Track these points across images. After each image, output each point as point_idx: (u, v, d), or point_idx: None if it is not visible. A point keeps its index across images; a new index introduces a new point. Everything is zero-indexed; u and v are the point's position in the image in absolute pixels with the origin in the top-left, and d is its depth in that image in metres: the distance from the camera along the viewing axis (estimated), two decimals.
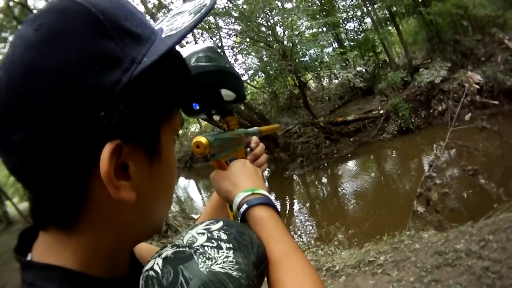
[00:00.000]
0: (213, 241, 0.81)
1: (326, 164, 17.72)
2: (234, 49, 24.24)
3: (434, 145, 7.45)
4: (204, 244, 0.80)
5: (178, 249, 0.78)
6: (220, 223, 0.87)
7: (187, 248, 0.79)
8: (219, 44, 25.09)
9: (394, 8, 23.52)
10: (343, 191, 14.45)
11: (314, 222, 11.70)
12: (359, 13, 27.88)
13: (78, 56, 0.52)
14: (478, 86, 8.48)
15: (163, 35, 0.62)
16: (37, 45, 0.52)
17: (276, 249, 0.87)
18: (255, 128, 1.43)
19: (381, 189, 13.10)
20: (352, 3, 27.79)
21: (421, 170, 10.71)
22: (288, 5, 20.24)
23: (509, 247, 4.57)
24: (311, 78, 24.68)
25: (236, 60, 25.73)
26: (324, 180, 16.94)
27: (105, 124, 0.54)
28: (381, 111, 19.43)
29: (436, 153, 7.23)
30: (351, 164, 17.80)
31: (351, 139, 19.84)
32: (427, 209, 6.70)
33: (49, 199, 0.58)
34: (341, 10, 27.57)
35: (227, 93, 1.14)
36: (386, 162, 16.94)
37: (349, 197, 13.56)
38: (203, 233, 0.83)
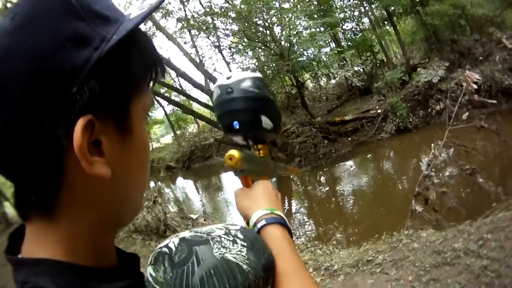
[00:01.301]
0: (230, 236, 0.88)
1: (324, 164, 17.75)
2: (232, 49, 24.25)
3: (432, 144, 7.44)
4: (221, 235, 0.87)
5: (196, 233, 0.85)
6: (238, 226, 0.96)
7: (205, 234, 0.86)
8: (217, 44, 25.12)
9: (392, 8, 23.51)
10: (341, 190, 14.47)
11: (312, 222, 11.72)
12: (356, 13, 27.91)
13: (51, 37, 0.54)
14: (476, 86, 8.46)
15: (131, 17, 0.65)
16: (12, 32, 0.54)
17: (286, 265, 0.95)
18: (283, 164, 1.55)
19: (379, 189, 13.11)
20: (349, 3, 27.80)
21: (419, 170, 10.73)
22: (286, 5, 20.22)
23: (508, 245, 4.58)
24: (308, 78, 24.70)
25: (233, 60, 25.76)
26: (322, 179, 16.97)
27: (77, 100, 0.55)
28: (379, 111, 19.47)
29: (434, 153, 7.23)
30: (349, 164, 17.83)
31: (349, 138, 19.87)
32: (425, 208, 6.71)
33: (28, 183, 0.60)
34: (339, 10, 27.58)
35: (266, 121, 1.25)
36: (384, 161, 16.98)
37: (347, 196, 13.59)
38: (221, 228, 0.91)
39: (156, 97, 33.48)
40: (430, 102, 17.21)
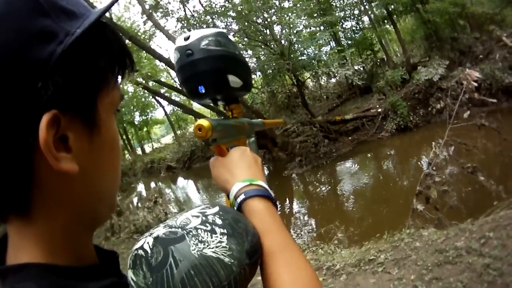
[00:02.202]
0: (208, 224, 0.80)
1: (324, 163, 17.73)
2: None
3: (433, 143, 7.43)
4: (197, 226, 0.79)
5: (170, 229, 0.78)
6: (216, 208, 0.86)
7: (179, 229, 0.78)
8: None
9: (392, 6, 23.51)
10: (342, 189, 14.46)
11: (314, 221, 11.71)
12: (356, 12, 27.91)
13: (17, 35, 0.55)
14: (476, 84, 8.45)
15: (96, 11, 0.66)
16: None
17: (272, 242, 0.87)
18: (259, 120, 1.42)
19: (380, 188, 13.11)
20: (349, 1, 27.82)
21: (420, 168, 10.72)
22: (286, 4, 20.22)
23: (510, 244, 4.57)
24: (308, 77, 24.69)
25: None
26: (323, 179, 16.96)
27: (42, 95, 0.56)
28: (379, 110, 19.47)
29: (435, 151, 7.22)
30: (349, 163, 17.83)
31: (350, 137, 19.87)
32: (426, 207, 6.70)
33: (0, 183, 0.59)
34: (339, 8, 27.60)
35: (234, 80, 1.14)
36: (385, 160, 16.97)
37: (348, 195, 13.58)
38: (197, 216, 0.82)
39: (157, 97, 33.62)
40: (431, 101, 17.21)
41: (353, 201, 12.93)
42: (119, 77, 0.71)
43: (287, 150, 19.06)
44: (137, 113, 42.08)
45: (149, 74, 19.28)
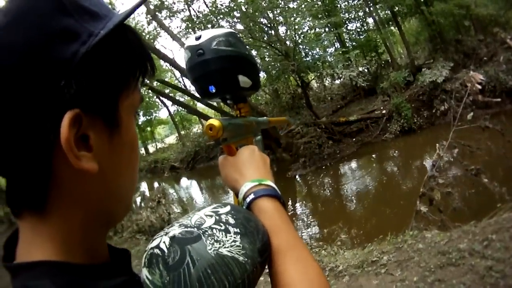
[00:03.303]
0: (221, 224, 0.82)
1: (328, 164, 17.71)
2: None
3: (437, 145, 7.42)
4: (212, 226, 0.81)
5: (186, 229, 0.80)
6: (228, 207, 0.89)
7: (195, 229, 0.80)
8: None
9: (396, 8, 23.50)
10: (346, 191, 14.43)
11: (317, 222, 11.70)
12: (361, 13, 27.91)
13: (41, 33, 0.56)
14: (480, 86, 8.46)
15: (119, 13, 0.67)
16: (5, 27, 0.56)
17: (281, 240, 0.89)
18: (265, 118, 1.44)
19: (383, 189, 13.08)
20: (354, 3, 27.81)
21: (424, 170, 10.72)
22: (291, 5, 20.20)
23: None
24: (313, 78, 24.71)
25: None
26: (327, 180, 16.94)
27: (65, 93, 0.57)
28: (384, 111, 19.44)
29: (439, 153, 7.21)
30: (353, 164, 17.80)
31: (354, 139, 19.85)
32: (430, 209, 6.69)
33: (18, 179, 0.61)
34: (343, 10, 27.60)
35: (244, 80, 1.17)
36: (388, 162, 16.93)
37: (351, 197, 13.56)
38: (211, 216, 0.85)
39: (161, 97, 33.65)
40: (435, 103, 17.15)
41: (356, 203, 12.92)
42: (140, 80, 0.72)
43: (291, 151, 19.03)
44: (141, 113, 42.03)
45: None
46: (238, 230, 0.83)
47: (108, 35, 0.61)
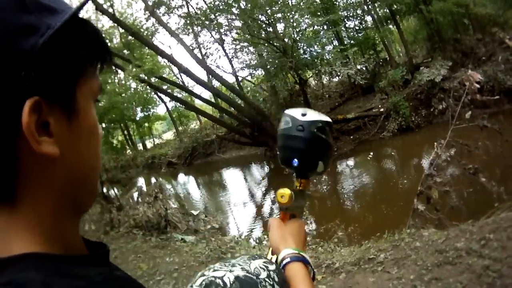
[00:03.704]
0: (270, 279, 1.02)
1: None
2: (235, 45, 24.25)
3: (435, 143, 7.43)
4: (265, 279, 1.01)
5: (247, 274, 0.99)
6: (274, 266, 1.10)
7: (254, 277, 0.99)
8: (219, 41, 25.10)
9: (395, 6, 23.49)
10: (343, 188, 14.47)
11: (314, 219, 11.71)
12: (359, 11, 27.89)
13: (2, 29, 0.59)
14: (478, 85, 8.46)
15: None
16: None
17: None
18: (309, 192, 1.53)
19: (381, 187, 13.11)
20: (352, 1, 27.82)
21: (422, 169, 10.72)
22: (290, 2, 20.19)
23: (510, 246, 4.57)
24: (311, 76, 24.72)
25: (236, 56, 25.78)
26: (324, 177, 16.96)
27: (25, 83, 0.59)
28: (381, 109, 19.47)
29: (437, 151, 7.22)
30: (351, 162, 17.85)
31: (351, 137, 19.88)
32: (427, 207, 6.70)
33: None
34: (342, 8, 27.58)
35: (321, 166, 1.33)
36: (386, 160, 16.99)
37: (349, 194, 13.59)
38: (264, 269, 1.05)
39: (159, 93, 33.61)
40: (433, 102, 17.18)
41: (353, 200, 12.95)
42: (98, 68, 0.75)
43: None
44: (138, 109, 41.97)
45: (152, 70, 19.20)
46: (278, 287, 1.02)
47: (64, 27, 0.64)
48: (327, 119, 1.29)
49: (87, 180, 0.74)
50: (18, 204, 0.63)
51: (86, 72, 0.70)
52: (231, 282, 0.94)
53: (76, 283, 0.62)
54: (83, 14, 0.72)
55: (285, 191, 1.23)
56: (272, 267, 1.08)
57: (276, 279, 1.04)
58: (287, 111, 1.33)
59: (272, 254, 1.29)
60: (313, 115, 1.27)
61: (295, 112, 1.29)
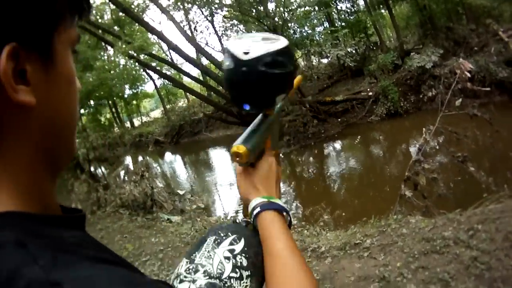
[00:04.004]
0: (237, 270, 0.97)
1: (312, 144, 17.79)
2: (225, 23, 24.15)
3: (424, 129, 7.42)
4: (230, 275, 0.96)
5: (210, 280, 0.95)
6: (242, 243, 1.04)
7: (217, 281, 0.94)
8: (210, 19, 24.95)
9: None
10: (330, 171, 14.52)
11: (300, 202, 11.75)
12: None
13: None
14: (469, 74, 8.49)
15: None
16: None
17: (278, 246, 1.04)
18: (284, 95, 1.25)
19: (368, 171, 13.17)
20: None
21: (409, 155, 10.78)
22: None
23: (498, 238, 4.59)
24: (300, 56, 24.65)
25: (226, 34, 25.69)
26: (311, 159, 17.02)
27: (2, 28, 0.58)
28: (370, 93, 19.52)
29: (425, 137, 7.21)
30: (338, 145, 17.91)
31: (339, 119, 19.93)
32: (414, 193, 6.71)
33: None
34: None
35: (280, 98, 1.16)
36: (373, 144, 17.06)
37: (335, 178, 13.64)
38: (229, 259, 0.99)
39: (147, 70, 33.45)
40: (422, 88, 17.24)
41: (340, 184, 12.99)
42: (76, 16, 0.72)
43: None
44: (127, 87, 41.80)
45: (142, 47, 19.08)
46: (249, 273, 0.98)
47: None
48: (278, 46, 1.07)
49: (63, 133, 0.73)
50: None
51: (64, 19, 0.68)
52: None
53: (51, 244, 0.60)
54: None
55: (240, 150, 1.06)
56: (238, 247, 1.01)
57: (245, 262, 0.98)
58: (229, 46, 1.11)
59: (244, 206, 1.22)
60: (257, 49, 1.06)
61: (236, 48, 1.08)
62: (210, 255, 0.99)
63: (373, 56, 22.53)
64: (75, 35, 0.72)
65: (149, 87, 50.27)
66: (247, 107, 1.14)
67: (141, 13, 24.83)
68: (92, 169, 13.38)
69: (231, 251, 1.00)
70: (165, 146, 30.80)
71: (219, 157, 22.75)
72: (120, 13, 24.11)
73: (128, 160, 26.35)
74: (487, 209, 5.43)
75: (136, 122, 47.60)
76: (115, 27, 27.13)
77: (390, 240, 5.46)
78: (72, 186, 11.67)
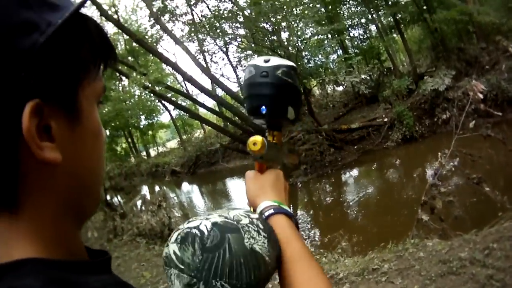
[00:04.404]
0: (254, 226, 0.95)
1: (330, 172, 17.71)
2: (239, 52, 24.30)
3: (439, 153, 7.40)
4: (248, 224, 0.94)
5: (226, 220, 0.92)
6: (256, 215, 1.03)
7: (235, 222, 0.92)
8: (224, 49, 25.16)
9: (399, 16, 23.52)
10: (347, 198, 14.43)
11: (318, 230, 11.70)
12: (363, 20, 27.94)
13: (1, 26, 0.56)
14: (482, 96, 8.47)
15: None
16: None
17: (293, 250, 1.03)
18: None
19: (385, 197, 13.07)
20: (357, 10, 27.86)
21: (425, 179, 10.67)
22: (294, 10, 20.23)
23: None
24: (315, 85, 24.70)
25: (240, 64, 25.81)
26: (328, 187, 16.94)
27: (25, 84, 0.56)
28: (385, 119, 19.45)
29: (441, 161, 7.20)
30: (355, 172, 17.81)
31: (355, 147, 19.85)
32: (431, 217, 6.67)
33: None
34: (346, 17, 27.64)
35: (291, 112, 1.27)
36: (390, 170, 16.93)
37: (352, 204, 13.54)
38: (245, 217, 0.97)
39: (162, 101, 33.68)
40: (437, 111, 17.13)
41: (357, 210, 12.91)
42: (101, 69, 0.72)
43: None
44: (142, 117, 41.94)
45: (158, 79, 19.21)
46: (266, 235, 0.95)
47: (65, 24, 0.61)
48: (291, 63, 1.26)
49: (90, 186, 0.72)
50: (19, 210, 0.61)
51: (89, 72, 0.68)
52: (209, 230, 0.87)
53: None
54: (86, 11, 0.68)
55: (257, 138, 1.16)
56: (254, 215, 1.02)
57: (261, 226, 0.97)
58: (249, 62, 1.29)
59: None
60: (276, 60, 1.24)
61: (257, 60, 1.26)
62: (224, 211, 0.99)
63: (387, 81, 22.50)
64: (100, 87, 0.72)
65: (164, 118, 50.44)
66: (264, 110, 1.23)
67: (155, 44, 25.05)
68: (108, 197, 13.36)
69: (247, 214, 1.00)
70: (181, 176, 30.67)
71: (236, 187, 22.70)
72: (134, 44, 24.30)
73: (145, 189, 26.34)
74: (502, 227, 5.39)
75: (152, 152, 47.51)
76: (129, 57, 27.32)
77: (408, 264, 5.43)
78: None
